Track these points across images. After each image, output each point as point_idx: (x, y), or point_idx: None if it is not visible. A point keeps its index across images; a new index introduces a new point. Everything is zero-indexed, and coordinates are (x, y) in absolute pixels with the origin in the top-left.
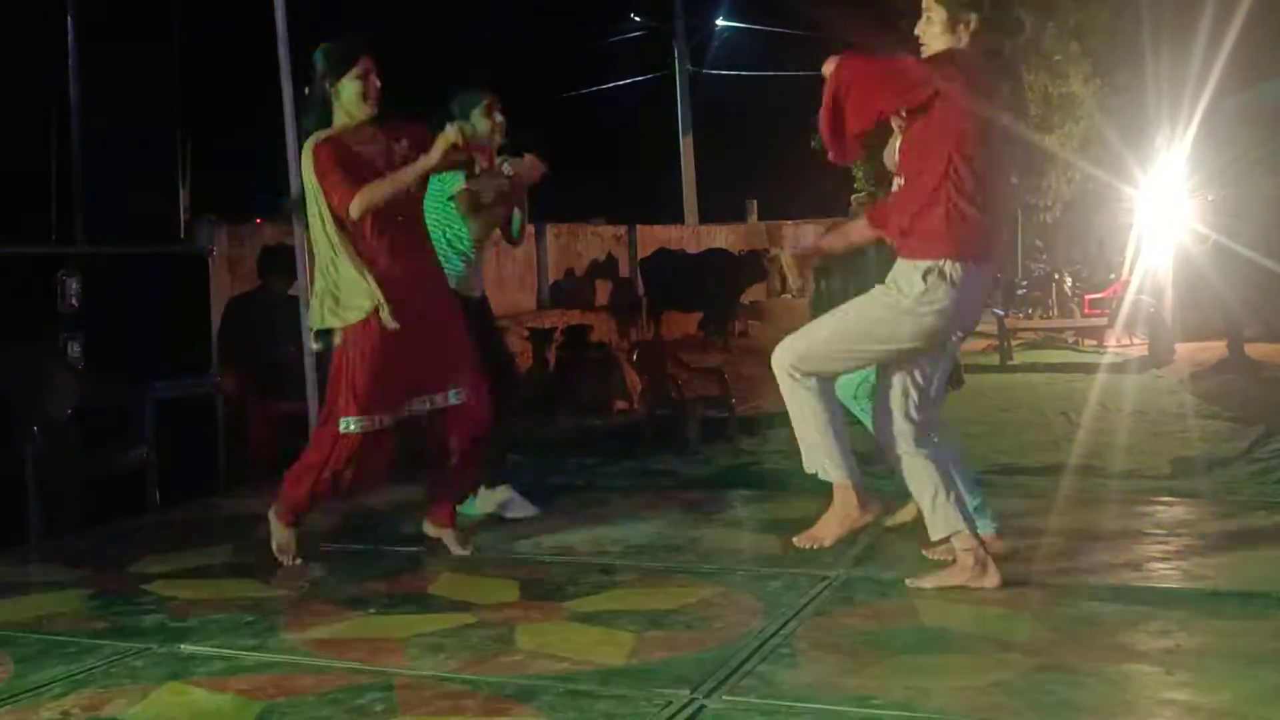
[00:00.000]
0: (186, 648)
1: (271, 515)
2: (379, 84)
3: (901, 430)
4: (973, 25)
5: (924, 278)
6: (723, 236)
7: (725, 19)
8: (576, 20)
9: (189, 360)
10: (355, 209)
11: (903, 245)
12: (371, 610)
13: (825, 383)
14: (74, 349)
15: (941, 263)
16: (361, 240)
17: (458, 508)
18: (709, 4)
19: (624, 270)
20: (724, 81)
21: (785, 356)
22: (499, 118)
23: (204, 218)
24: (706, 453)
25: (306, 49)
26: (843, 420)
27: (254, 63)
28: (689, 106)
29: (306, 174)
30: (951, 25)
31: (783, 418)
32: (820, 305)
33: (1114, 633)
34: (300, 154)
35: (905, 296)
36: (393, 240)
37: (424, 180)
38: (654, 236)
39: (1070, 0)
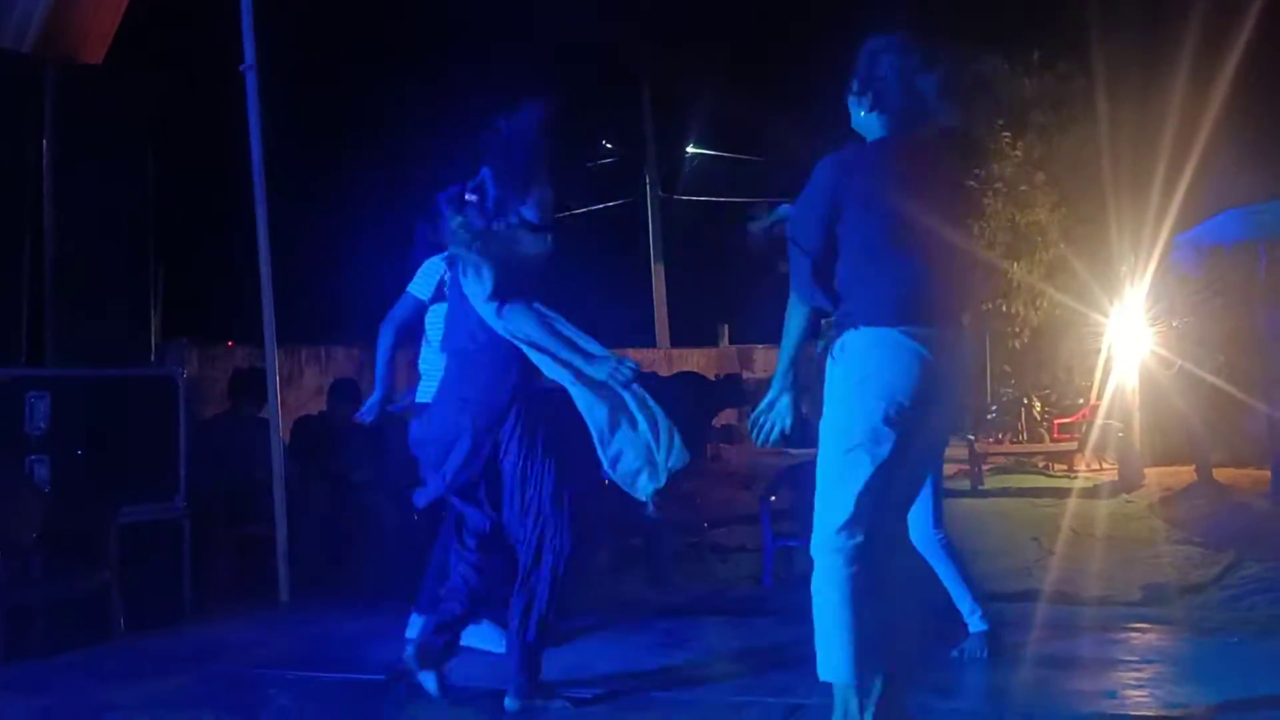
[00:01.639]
0: None
1: None
2: None
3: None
4: None
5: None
6: (695, 360)
7: (695, 146)
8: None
9: (156, 484)
10: None
11: None
12: None
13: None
14: (41, 472)
15: None
16: None
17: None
18: (679, 131)
19: None
20: (694, 207)
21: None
22: None
23: (175, 340)
24: (678, 579)
25: (280, 174)
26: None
27: (227, 187)
28: (660, 231)
29: None
30: None
31: (755, 542)
32: (792, 429)
33: None
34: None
35: None
36: None
37: None
38: None
39: (1035, 133)
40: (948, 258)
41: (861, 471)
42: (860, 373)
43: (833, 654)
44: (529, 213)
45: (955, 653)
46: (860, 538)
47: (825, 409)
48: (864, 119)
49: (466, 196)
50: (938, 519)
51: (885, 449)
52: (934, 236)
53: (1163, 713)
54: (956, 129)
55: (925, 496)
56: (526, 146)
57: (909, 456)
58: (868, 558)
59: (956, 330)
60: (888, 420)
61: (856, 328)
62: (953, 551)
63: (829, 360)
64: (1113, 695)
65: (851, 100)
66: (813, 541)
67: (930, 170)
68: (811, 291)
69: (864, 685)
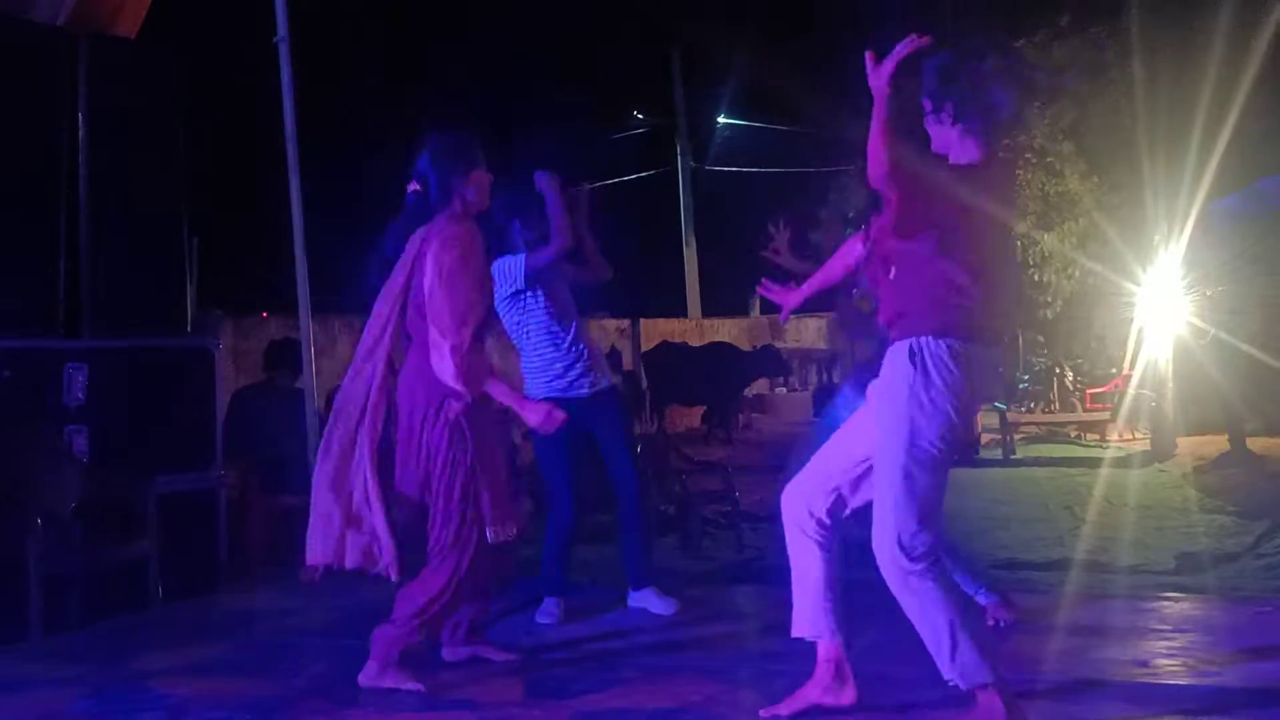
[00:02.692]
0: None
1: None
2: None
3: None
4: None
5: (910, 359)
6: (725, 330)
7: (726, 117)
8: (581, 118)
9: (193, 454)
10: None
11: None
12: (371, 708)
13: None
14: (79, 442)
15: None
16: None
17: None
18: (710, 102)
19: (628, 363)
20: (725, 177)
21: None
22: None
23: (210, 312)
24: (710, 548)
25: (312, 147)
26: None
27: (262, 159)
28: (691, 201)
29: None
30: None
31: None
32: (822, 398)
33: None
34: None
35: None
36: None
37: None
38: (657, 329)
39: (1067, 99)
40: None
41: (935, 478)
42: (941, 382)
43: (966, 658)
44: (470, 195)
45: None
46: (929, 541)
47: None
48: (946, 135)
49: (409, 189)
50: None
51: (948, 456)
52: (1013, 258)
53: (1195, 681)
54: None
55: None
56: (464, 131)
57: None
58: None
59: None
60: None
61: (940, 338)
62: None
63: (904, 363)
64: (1144, 663)
65: (930, 120)
66: (884, 559)
67: (1013, 193)
68: None
69: (997, 678)
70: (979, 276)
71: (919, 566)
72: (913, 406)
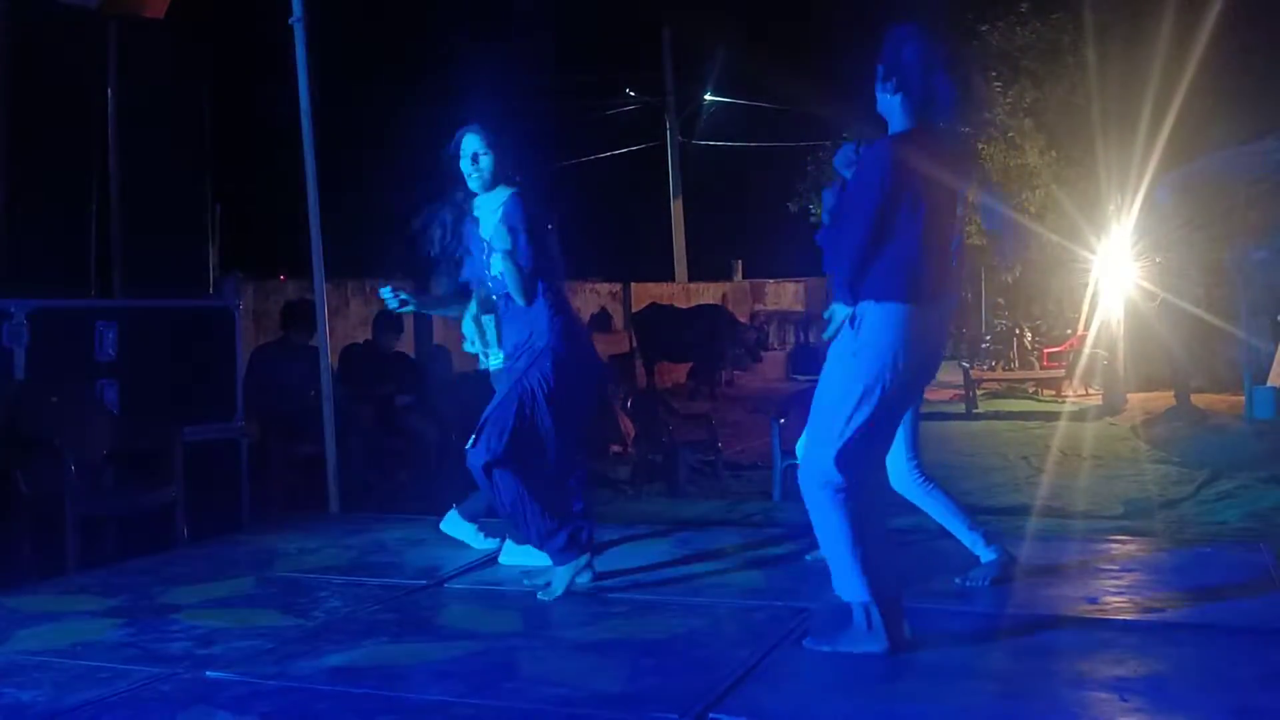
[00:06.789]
0: (211, 674)
1: None
2: None
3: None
4: None
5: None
6: (710, 293)
7: (713, 95)
8: (577, 95)
9: (216, 406)
10: None
11: None
12: (384, 639)
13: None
14: (110, 394)
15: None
16: None
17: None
18: (698, 81)
19: (619, 324)
20: (711, 151)
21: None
22: None
23: (231, 274)
24: (694, 493)
25: (326, 121)
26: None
27: (280, 131)
28: (679, 173)
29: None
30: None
31: (765, 460)
32: (799, 357)
33: (1073, 661)
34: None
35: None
36: None
37: None
38: (647, 293)
39: (1027, 79)
40: (950, 241)
41: (855, 421)
42: (869, 340)
43: (847, 577)
44: None
45: (959, 580)
46: (845, 477)
47: (831, 365)
48: (888, 102)
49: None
50: (912, 450)
51: (874, 404)
52: (944, 223)
53: (1140, 616)
54: (965, 131)
55: (900, 432)
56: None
57: (894, 413)
58: (855, 495)
59: (950, 307)
60: (884, 380)
61: (876, 301)
62: (933, 484)
63: (845, 325)
64: (1094, 600)
65: (878, 86)
66: (801, 479)
67: (949, 161)
68: (852, 278)
69: (878, 600)
70: (899, 240)
71: (828, 495)
72: (848, 362)
